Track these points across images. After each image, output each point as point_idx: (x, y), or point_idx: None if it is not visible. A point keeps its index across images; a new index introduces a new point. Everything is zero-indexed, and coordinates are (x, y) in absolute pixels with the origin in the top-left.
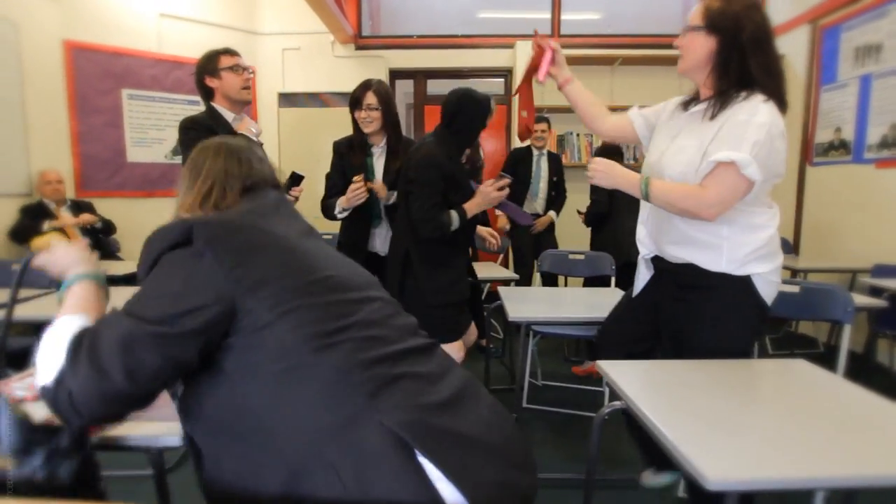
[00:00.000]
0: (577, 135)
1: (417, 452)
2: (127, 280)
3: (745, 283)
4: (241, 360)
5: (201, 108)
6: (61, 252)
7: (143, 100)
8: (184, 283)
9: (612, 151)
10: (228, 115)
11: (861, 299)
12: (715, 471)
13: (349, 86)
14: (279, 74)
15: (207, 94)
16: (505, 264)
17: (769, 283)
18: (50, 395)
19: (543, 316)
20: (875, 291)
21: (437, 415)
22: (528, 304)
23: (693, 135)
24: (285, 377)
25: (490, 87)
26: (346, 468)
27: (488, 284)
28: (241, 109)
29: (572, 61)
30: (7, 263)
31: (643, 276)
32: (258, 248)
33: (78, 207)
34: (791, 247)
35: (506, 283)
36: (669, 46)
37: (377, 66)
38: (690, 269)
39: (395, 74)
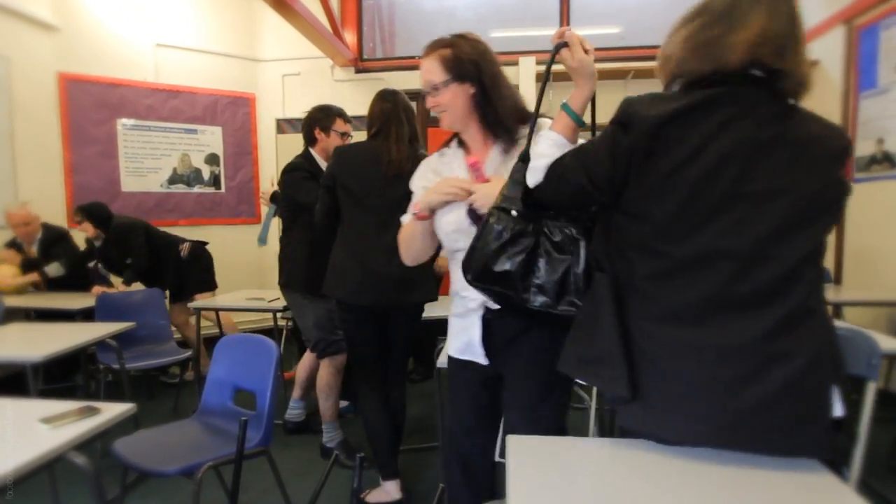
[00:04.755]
0: None
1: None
2: (85, 315)
3: None
4: None
5: (198, 135)
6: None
7: (139, 129)
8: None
9: None
10: (322, 164)
11: None
12: None
13: (348, 110)
14: (279, 101)
15: (311, 140)
16: None
17: None
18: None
19: None
20: None
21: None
22: None
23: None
24: None
25: None
26: None
27: None
28: None
29: None
30: None
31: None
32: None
33: (50, 238)
34: (831, 276)
35: None
36: None
37: (377, 88)
38: None
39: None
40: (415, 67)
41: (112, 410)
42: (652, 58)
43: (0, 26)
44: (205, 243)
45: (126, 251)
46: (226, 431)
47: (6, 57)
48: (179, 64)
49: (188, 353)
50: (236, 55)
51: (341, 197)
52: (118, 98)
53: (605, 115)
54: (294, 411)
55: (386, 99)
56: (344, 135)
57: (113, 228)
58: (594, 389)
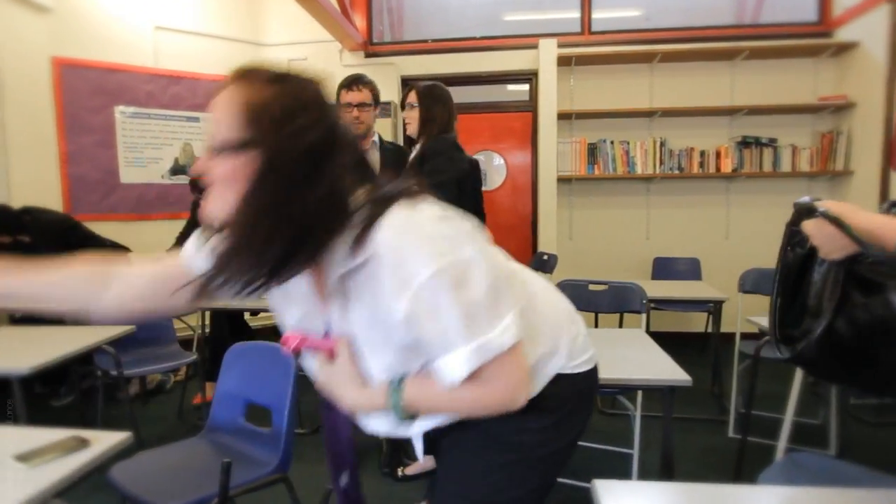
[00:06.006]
0: (612, 142)
1: None
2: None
3: None
4: None
5: (201, 124)
6: None
7: (139, 117)
8: None
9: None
10: None
11: None
12: None
13: None
14: None
15: None
16: None
17: None
18: None
19: None
20: None
21: None
22: None
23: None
24: None
25: (512, 94)
26: None
27: None
28: (365, 141)
29: (605, 60)
30: None
31: None
32: None
33: None
34: None
35: None
36: (717, 38)
37: (388, 73)
38: None
39: (408, 82)
40: (426, 52)
41: (104, 441)
42: (678, 40)
43: None
44: (127, 249)
45: (66, 248)
46: (238, 453)
47: None
48: (180, 48)
49: (192, 357)
50: (240, 39)
51: (469, 193)
52: (116, 84)
53: (631, 101)
54: None
55: (444, 99)
56: (347, 105)
57: (50, 221)
58: (639, 399)
